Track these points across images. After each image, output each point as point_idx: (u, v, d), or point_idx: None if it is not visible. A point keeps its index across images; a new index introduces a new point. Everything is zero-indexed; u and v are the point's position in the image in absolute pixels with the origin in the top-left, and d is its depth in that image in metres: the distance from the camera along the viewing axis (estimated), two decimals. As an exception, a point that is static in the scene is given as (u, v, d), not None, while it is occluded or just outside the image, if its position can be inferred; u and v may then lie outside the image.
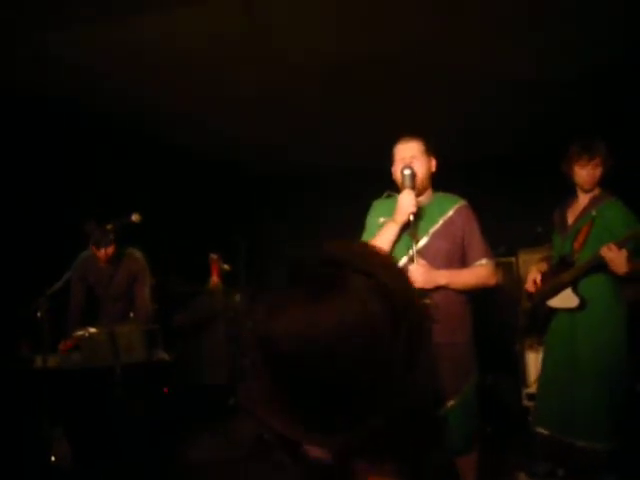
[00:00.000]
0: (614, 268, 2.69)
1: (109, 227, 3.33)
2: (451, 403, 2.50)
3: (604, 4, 3.22)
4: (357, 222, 2.83)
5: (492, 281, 2.65)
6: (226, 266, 5.35)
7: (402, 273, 0.72)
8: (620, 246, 2.64)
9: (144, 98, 4.33)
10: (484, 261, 2.63)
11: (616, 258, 2.65)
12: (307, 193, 6.76)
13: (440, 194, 2.74)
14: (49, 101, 4.14)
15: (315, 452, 0.66)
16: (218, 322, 5.37)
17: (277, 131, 5.25)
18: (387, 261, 0.72)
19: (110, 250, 3.56)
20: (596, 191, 3.04)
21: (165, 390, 3.89)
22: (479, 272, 2.62)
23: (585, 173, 3.00)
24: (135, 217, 3.29)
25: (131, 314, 3.68)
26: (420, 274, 2.43)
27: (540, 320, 3.24)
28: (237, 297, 5.42)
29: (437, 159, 2.73)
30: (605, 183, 3.06)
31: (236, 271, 5.31)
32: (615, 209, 2.92)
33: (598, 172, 2.99)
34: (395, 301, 0.65)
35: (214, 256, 5.30)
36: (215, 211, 6.21)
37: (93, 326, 3.24)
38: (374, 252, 0.73)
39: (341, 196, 6.21)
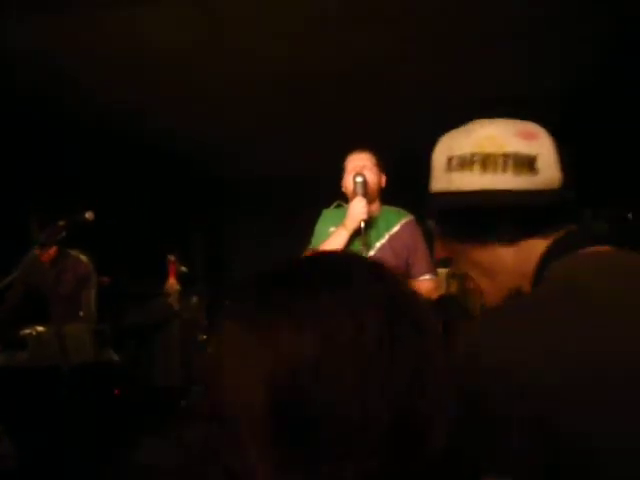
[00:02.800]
0: None
1: (61, 224, 3.28)
2: None
3: (570, 25, 3.36)
4: (308, 229, 2.86)
5: (434, 295, 2.72)
6: (183, 268, 5.32)
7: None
8: None
9: (102, 93, 4.31)
10: (427, 276, 2.71)
11: None
12: (267, 197, 6.79)
13: (387, 208, 2.79)
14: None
15: None
16: (173, 324, 5.33)
17: (237, 134, 5.29)
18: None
19: (52, 252, 3.55)
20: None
21: (116, 391, 3.85)
22: (422, 286, 2.69)
23: None
24: (89, 215, 3.24)
25: (80, 313, 3.65)
26: None
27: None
28: (193, 299, 5.40)
29: (387, 175, 2.78)
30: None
31: (193, 273, 5.29)
32: None
33: None
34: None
35: (172, 257, 5.26)
36: (174, 212, 6.16)
37: (41, 325, 3.20)
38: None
39: (297, 202, 6.26)
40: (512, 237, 0.97)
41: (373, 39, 3.51)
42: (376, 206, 2.74)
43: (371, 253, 2.61)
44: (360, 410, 0.51)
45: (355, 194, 2.55)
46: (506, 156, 0.94)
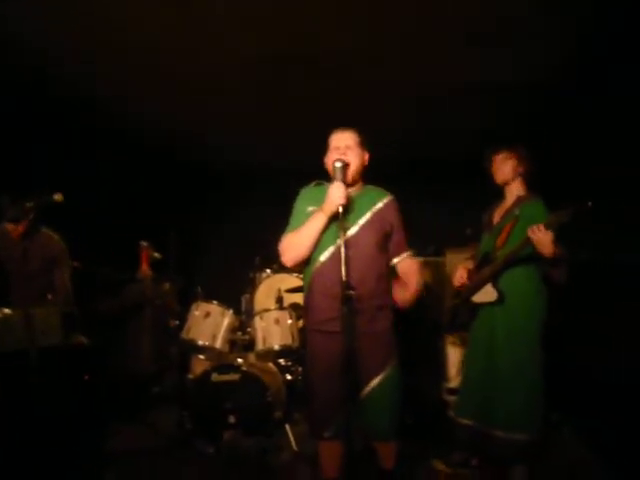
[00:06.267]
0: (541, 249, 2.76)
1: (28, 205, 3.20)
2: (375, 381, 2.58)
3: (546, 17, 3.35)
4: (281, 217, 2.85)
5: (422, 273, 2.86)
6: (156, 254, 5.26)
7: None
8: (547, 227, 2.74)
9: (82, 78, 4.20)
10: (405, 254, 2.79)
11: (543, 239, 2.73)
12: (238, 187, 6.77)
13: (370, 187, 2.80)
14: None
15: None
16: (146, 310, 5.27)
17: (210, 124, 5.25)
18: None
19: (22, 227, 3.44)
20: (521, 192, 3.18)
21: (86, 377, 3.78)
22: (412, 263, 2.81)
23: (494, 168, 3.25)
24: (57, 197, 3.16)
25: (49, 296, 3.55)
26: None
27: (464, 316, 3.34)
28: (166, 286, 5.34)
29: (370, 154, 2.78)
30: (536, 185, 3.21)
31: (166, 260, 5.23)
32: (537, 208, 3.04)
33: (507, 167, 3.19)
34: None
35: (144, 244, 5.20)
36: (147, 199, 6.09)
37: (7, 307, 3.10)
38: None
39: (269, 193, 6.32)
40: None
41: (355, 29, 3.49)
42: (359, 184, 2.75)
43: (355, 229, 2.62)
44: None
45: (334, 179, 2.55)
46: None
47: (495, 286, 3.09)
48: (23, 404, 3.06)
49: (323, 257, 2.62)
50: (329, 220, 2.55)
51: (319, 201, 2.59)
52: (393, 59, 3.94)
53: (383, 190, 2.81)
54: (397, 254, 2.76)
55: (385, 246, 2.71)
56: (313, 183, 2.81)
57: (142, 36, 3.60)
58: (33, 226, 3.53)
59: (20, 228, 3.44)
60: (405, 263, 2.78)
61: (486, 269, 3.14)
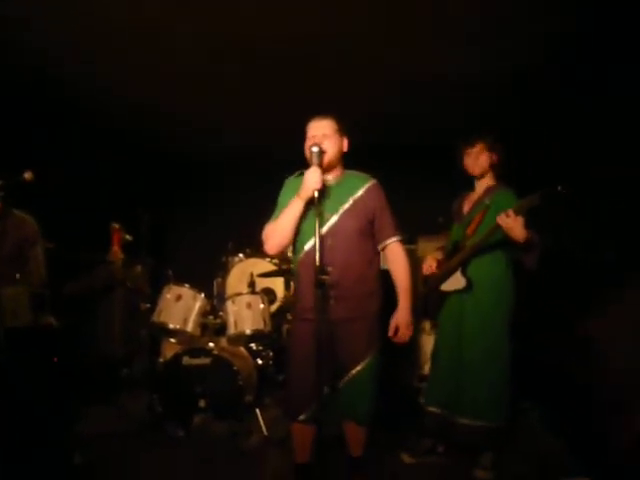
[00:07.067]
0: (512, 235, 2.78)
1: (-1, 183, 3.12)
2: (357, 368, 2.61)
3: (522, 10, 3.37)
4: (255, 203, 2.82)
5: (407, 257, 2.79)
6: (128, 237, 5.20)
7: None
8: (516, 213, 2.75)
9: (79, 78, 4.22)
10: (395, 238, 2.73)
11: (514, 224, 2.74)
12: (211, 171, 6.71)
13: (350, 172, 2.77)
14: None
15: None
16: (116, 293, 5.22)
17: (190, 111, 5.21)
18: None
19: None
20: (490, 182, 3.21)
21: (55, 359, 3.73)
22: (396, 249, 2.74)
23: (468, 160, 3.23)
24: (28, 175, 3.08)
25: (17, 275, 3.48)
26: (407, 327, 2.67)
27: (434, 304, 3.38)
28: (138, 268, 5.28)
29: (350, 140, 2.76)
30: (508, 177, 3.23)
31: (138, 242, 5.18)
32: (507, 197, 3.06)
33: (482, 159, 3.19)
34: None
35: (116, 226, 5.13)
36: (120, 181, 6.00)
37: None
38: None
39: (242, 179, 6.34)
40: None
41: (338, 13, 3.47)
42: (338, 172, 2.73)
43: (336, 218, 2.61)
44: None
45: (311, 164, 2.54)
46: None
47: (463, 274, 3.13)
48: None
49: (307, 246, 2.62)
50: (306, 206, 2.55)
51: None
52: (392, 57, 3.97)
53: (365, 175, 2.78)
54: (382, 239, 2.72)
55: (370, 232, 2.69)
56: (297, 173, 2.78)
57: (142, 36, 3.58)
58: (5, 210, 3.45)
59: None
60: (390, 249, 2.73)
61: (455, 257, 3.18)
